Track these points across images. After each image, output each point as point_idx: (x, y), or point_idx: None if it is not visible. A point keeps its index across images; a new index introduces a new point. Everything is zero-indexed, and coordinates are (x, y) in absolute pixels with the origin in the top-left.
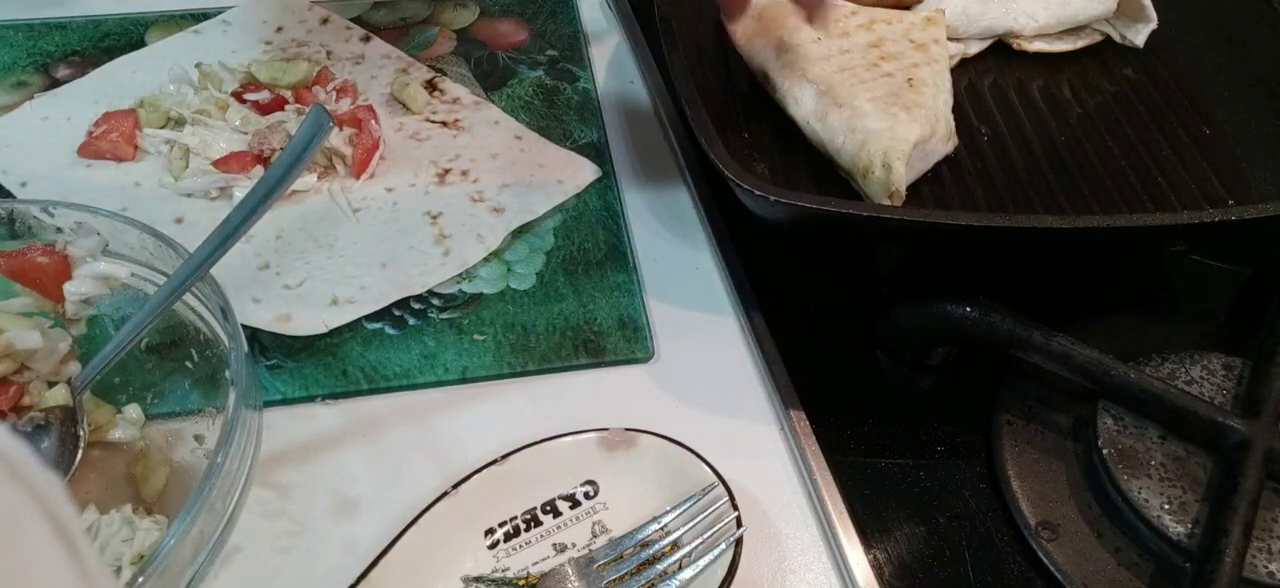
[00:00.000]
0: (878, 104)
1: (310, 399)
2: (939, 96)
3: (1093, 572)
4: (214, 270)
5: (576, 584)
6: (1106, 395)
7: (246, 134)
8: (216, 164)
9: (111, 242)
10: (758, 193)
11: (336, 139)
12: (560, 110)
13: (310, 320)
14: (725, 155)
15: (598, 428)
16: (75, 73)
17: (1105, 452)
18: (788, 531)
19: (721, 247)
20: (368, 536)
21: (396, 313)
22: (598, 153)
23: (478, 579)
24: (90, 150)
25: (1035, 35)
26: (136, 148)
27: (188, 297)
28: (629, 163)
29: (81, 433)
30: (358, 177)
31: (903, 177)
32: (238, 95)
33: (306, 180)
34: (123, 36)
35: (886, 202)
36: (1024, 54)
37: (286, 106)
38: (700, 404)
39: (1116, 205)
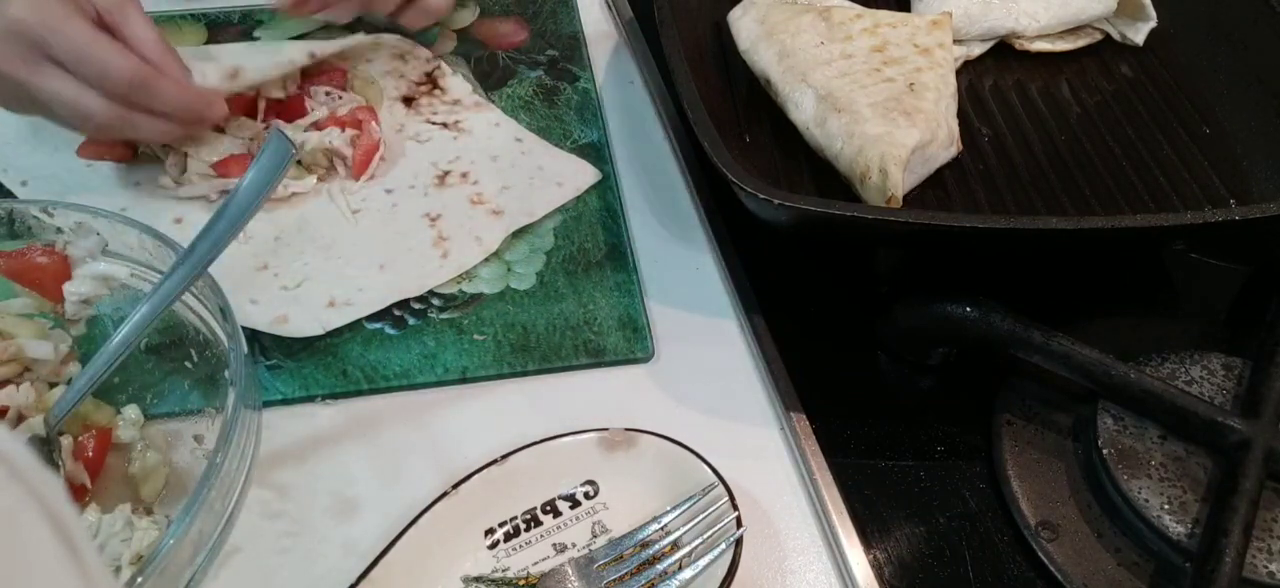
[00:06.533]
0: (877, 109)
1: (310, 399)
2: (941, 102)
3: (1093, 572)
4: (212, 270)
5: (576, 584)
6: (1106, 395)
7: (242, 137)
8: (215, 167)
9: (111, 242)
10: (760, 196)
11: (338, 140)
12: (560, 110)
13: (307, 322)
14: (727, 158)
15: (598, 428)
16: None
17: (1105, 452)
18: (788, 531)
19: (721, 247)
20: (368, 536)
21: (396, 313)
22: (598, 153)
23: (478, 579)
24: (89, 151)
25: (1036, 35)
26: (135, 150)
27: (187, 297)
28: (629, 163)
29: (59, 466)
30: (358, 177)
31: (899, 183)
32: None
33: (306, 182)
34: None
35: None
36: (1024, 55)
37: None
38: (700, 404)
39: (1118, 205)
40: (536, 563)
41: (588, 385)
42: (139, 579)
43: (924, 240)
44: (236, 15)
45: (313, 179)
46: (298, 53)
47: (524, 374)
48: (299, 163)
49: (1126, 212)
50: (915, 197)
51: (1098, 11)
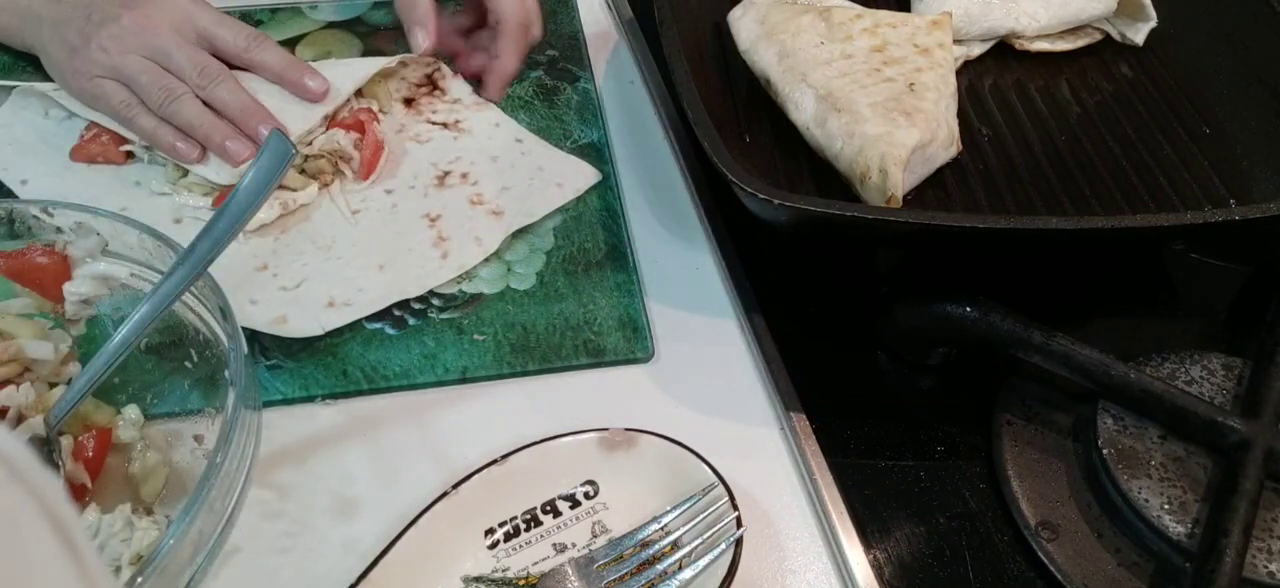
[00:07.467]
0: (877, 109)
1: (310, 399)
2: (941, 101)
3: (1093, 572)
4: (212, 270)
5: (576, 584)
6: (1106, 395)
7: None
8: (217, 203)
9: (111, 242)
10: (760, 196)
11: (344, 141)
12: (560, 110)
13: (307, 322)
14: (727, 158)
15: (598, 428)
16: None
17: (1105, 452)
18: (788, 531)
19: (721, 247)
20: (368, 536)
21: (397, 313)
22: (598, 153)
23: (478, 579)
24: (82, 154)
25: (1036, 35)
26: (128, 154)
27: (187, 297)
28: (629, 163)
29: (59, 466)
30: (366, 178)
31: (899, 183)
32: None
33: (309, 192)
34: None
35: None
36: (1024, 54)
37: None
38: (700, 404)
39: (1118, 205)
40: (536, 563)
41: (588, 385)
42: (139, 579)
43: (924, 240)
44: (235, 15)
45: (314, 188)
46: (371, 66)
47: (524, 374)
48: (303, 171)
49: (1126, 212)
50: (915, 197)
51: (1098, 11)
